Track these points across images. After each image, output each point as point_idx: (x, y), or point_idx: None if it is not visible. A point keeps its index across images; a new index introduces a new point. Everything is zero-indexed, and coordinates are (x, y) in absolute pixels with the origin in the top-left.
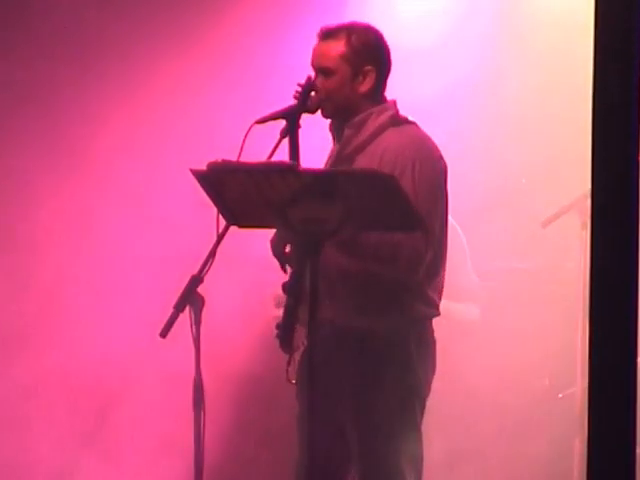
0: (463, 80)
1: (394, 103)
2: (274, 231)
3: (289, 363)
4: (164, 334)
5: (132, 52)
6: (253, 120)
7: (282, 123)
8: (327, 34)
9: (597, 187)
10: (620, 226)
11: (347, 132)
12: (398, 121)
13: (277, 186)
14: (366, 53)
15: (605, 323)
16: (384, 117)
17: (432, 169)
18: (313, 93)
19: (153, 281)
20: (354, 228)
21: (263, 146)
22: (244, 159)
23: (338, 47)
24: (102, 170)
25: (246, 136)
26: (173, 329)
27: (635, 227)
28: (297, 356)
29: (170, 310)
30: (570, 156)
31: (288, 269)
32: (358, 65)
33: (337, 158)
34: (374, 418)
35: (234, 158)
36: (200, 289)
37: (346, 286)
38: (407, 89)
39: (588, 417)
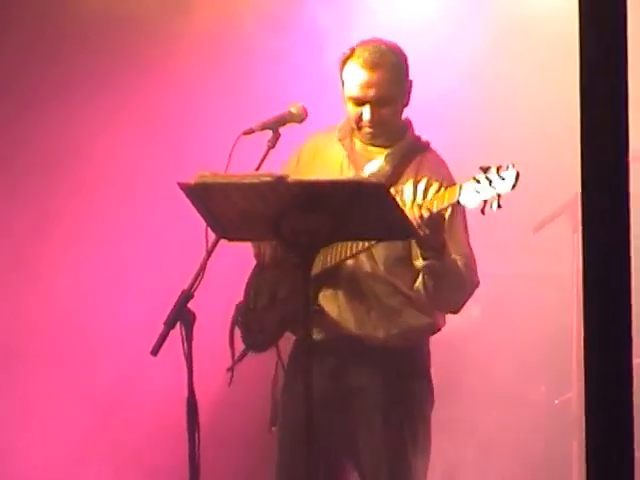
0: (454, 87)
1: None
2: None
3: (232, 368)
4: (155, 352)
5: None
6: (240, 132)
7: (269, 134)
8: (375, 63)
9: (587, 190)
10: (611, 229)
11: (393, 158)
12: (423, 146)
13: (266, 198)
14: (405, 66)
15: (599, 327)
16: (415, 141)
17: None
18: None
19: (142, 297)
20: (346, 238)
21: (251, 157)
22: (232, 171)
23: (388, 73)
24: (90, 185)
25: (233, 148)
26: (164, 346)
27: (626, 229)
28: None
29: (160, 327)
30: (560, 160)
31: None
32: (404, 81)
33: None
34: (402, 431)
35: (222, 170)
36: (191, 304)
37: (378, 302)
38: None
39: (585, 423)
